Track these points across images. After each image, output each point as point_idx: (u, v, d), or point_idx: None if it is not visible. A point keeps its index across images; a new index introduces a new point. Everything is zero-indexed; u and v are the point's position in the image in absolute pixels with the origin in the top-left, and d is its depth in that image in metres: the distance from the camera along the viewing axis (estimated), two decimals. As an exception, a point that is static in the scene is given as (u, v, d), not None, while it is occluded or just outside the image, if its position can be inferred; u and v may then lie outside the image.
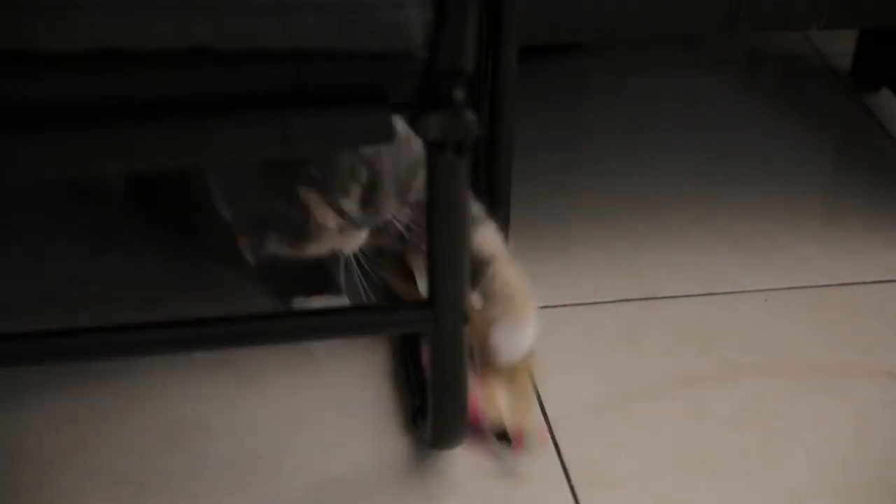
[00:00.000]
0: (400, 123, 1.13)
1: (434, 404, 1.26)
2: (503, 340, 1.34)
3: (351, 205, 1.27)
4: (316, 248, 1.29)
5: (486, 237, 1.37)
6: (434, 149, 1.08)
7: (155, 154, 1.07)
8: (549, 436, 1.34)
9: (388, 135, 1.08)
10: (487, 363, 1.36)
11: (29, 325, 1.16)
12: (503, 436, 1.34)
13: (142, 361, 1.38)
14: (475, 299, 1.34)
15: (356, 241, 1.31)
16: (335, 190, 1.26)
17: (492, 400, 1.35)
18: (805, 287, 1.61)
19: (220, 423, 1.38)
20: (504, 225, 1.45)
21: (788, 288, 1.60)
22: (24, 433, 1.36)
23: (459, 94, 1.05)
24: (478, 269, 1.33)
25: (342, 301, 1.42)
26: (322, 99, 1.06)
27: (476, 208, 1.36)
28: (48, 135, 1.02)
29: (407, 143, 1.28)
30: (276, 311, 1.44)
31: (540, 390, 1.41)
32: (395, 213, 1.32)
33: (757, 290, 1.60)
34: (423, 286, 1.36)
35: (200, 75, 1.03)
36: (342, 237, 1.29)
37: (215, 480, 1.31)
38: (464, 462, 1.34)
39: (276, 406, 1.40)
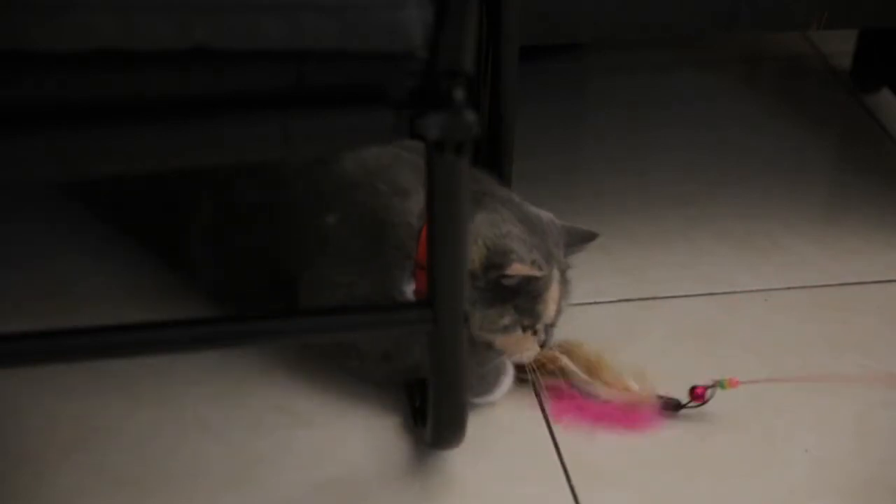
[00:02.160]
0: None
1: (434, 404, 1.27)
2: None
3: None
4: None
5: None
6: (434, 149, 1.08)
7: (155, 154, 1.07)
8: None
9: (387, 135, 1.08)
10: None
11: (29, 325, 1.15)
12: (670, 403, 1.38)
13: (142, 361, 1.38)
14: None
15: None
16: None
17: (619, 382, 1.39)
18: (805, 287, 1.61)
19: (220, 423, 1.38)
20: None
21: (788, 288, 1.60)
22: (23, 433, 1.36)
23: (459, 94, 1.05)
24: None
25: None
26: (322, 99, 1.06)
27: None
28: (48, 135, 1.02)
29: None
30: (276, 311, 1.44)
31: (540, 390, 1.42)
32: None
33: (757, 290, 1.60)
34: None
35: (200, 75, 1.03)
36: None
37: (215, 480, 1.31)
38: (464, 462, 1.34)
39: (276, 406, 1.40)
